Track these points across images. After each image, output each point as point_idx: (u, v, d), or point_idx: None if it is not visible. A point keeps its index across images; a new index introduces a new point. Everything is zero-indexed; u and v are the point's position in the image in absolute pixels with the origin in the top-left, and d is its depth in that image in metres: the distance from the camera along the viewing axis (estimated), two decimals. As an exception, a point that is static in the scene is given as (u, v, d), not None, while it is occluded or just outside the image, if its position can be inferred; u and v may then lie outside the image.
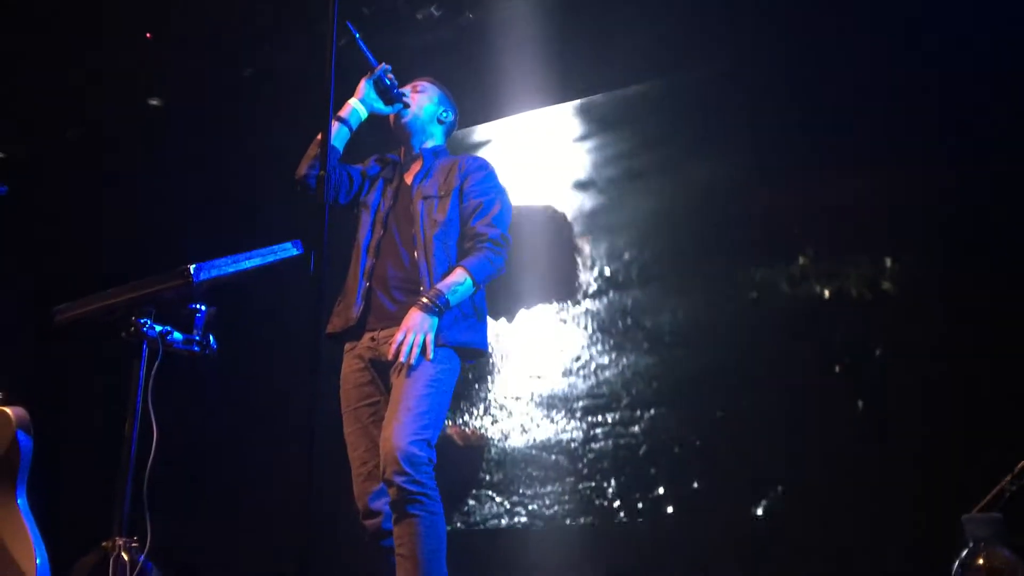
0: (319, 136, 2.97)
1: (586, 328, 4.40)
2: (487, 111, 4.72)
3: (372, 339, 3.02)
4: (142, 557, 2.42)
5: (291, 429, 3.01)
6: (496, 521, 4.38)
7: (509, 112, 4.76)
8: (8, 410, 2.63)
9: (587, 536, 4.17)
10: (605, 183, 4.46)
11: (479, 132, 4.86)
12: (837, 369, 3.78)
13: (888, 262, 3.75)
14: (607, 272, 4.39)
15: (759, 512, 3.83)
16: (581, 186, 4.54)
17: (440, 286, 2.91)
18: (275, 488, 4.37)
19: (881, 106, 3.81)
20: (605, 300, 4.37)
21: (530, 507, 4.35)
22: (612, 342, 4.32)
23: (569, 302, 4.48)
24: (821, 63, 3.96)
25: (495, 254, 3.01)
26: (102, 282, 2.65)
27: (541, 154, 4.70)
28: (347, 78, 2.83)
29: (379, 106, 3.15)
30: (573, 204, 4.54)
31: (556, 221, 4.58)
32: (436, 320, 2.86)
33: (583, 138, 4.59)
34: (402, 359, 2.80)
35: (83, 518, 2.97)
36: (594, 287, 4.42)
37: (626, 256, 4.35)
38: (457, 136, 3.87)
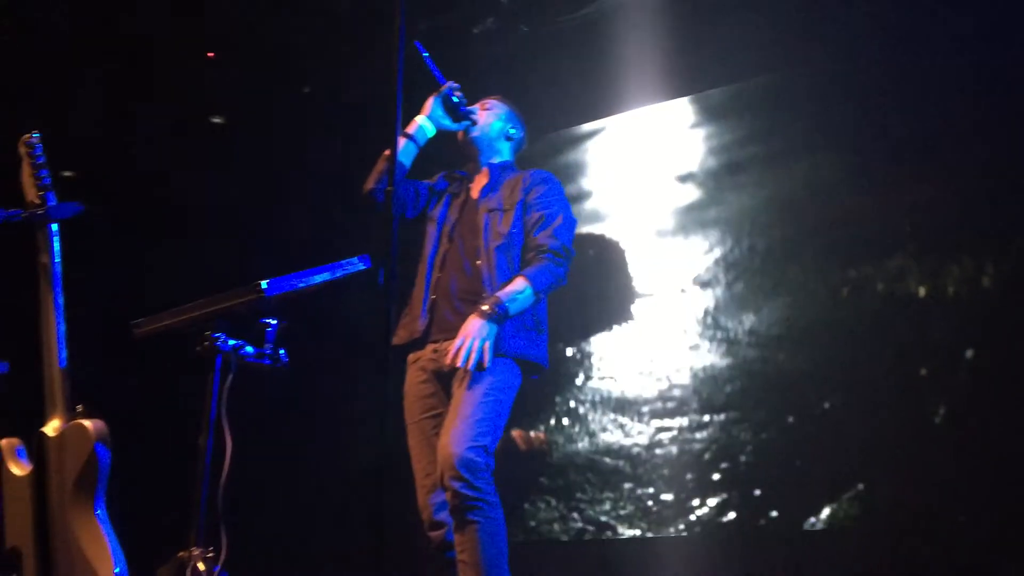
0: (386, 152, 3.03)
1: (663, 327, 4.36)
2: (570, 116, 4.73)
3: (435, 351, 3.05)
4: (218, 567, 2.46)
5: (359, 440, 3.06)
6: (549, 527, 4.37)
7: (601, 114, 4.75)
8: (87, 423, 2.69)
9: (642, 546, 4.15)
10: (705, 176, 4.39)
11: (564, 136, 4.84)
12: (923, 372, 3.68)
13: (990, 264, 3.64)
14: (692, 269, 4.32)
15: (819, 523, 3.77)
16: (681, 179, 4.48)
17: (500, 294, 2.92)
18: (345, 498, 4.43)
19: (984, 106, 3.73)
20: (687, 299, 4.31)
21: (587, 513, 4.33)
22: (689, 343, 4.26)
23: (649, 300, 4.45)
24: (926, 63, 3.88)
25: (556, 265, 3.02)
26: (173, 298, 2.71)
27: (640, 150, 4.65)
28: (413, 94, 2.86)
29: (446, 123, 3.19)
30: (669, 198, 4.47)
31: (646, 215, 4.54)
32: (495, 328, 2.87)
33: (686, 131, 4.50)
34: (459, 364, 2.81)
35: (160, 529, 3.03)
36: (677, 285, 4.37)
37: (716, 253, 4.28)
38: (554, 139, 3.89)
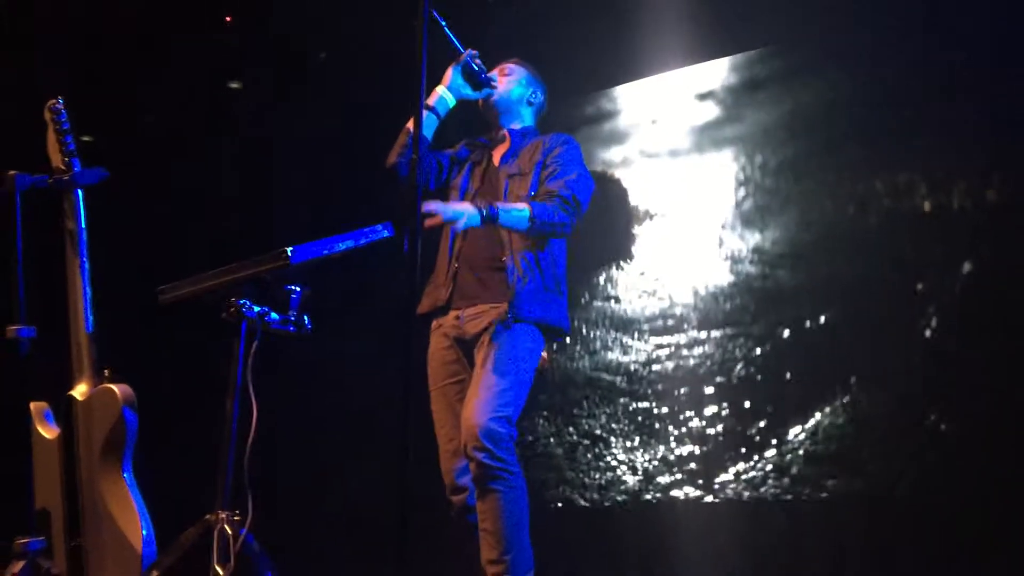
0: (409, 124, 3.02)
1: (670, 247, 4.36)
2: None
3: (457, 317, 3.07)
4: (244, 531, 2.50)
5: (383, 406, 3.07)
6: (546, 441, 4.45)
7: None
8: (115, 387, 2.73)
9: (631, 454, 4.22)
10: (724, 93, 4.34)
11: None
12: (920, 286, 3.69)
13: (997, 176, 3.60)
14: (704, 189, 4.30)
15: (804, 433, 3.82)
16: (700, 97, 4.41)
17: (498, 203, 2.92)
18: (369, 463, 4.47)
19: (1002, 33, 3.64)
20: (696, 218, 4.31)
21: (582, 427, 4.41)
22: (694, 261, 4.27)
23: (659, 220, 4.44)
24: None
25: (562, 209, 2.98)
26: (199, 263, 2.73)
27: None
28: (435, 60, 2.85)
29: (467, 92, 3.17)
30: (687, 116, 4.41)
31: (662, 135, 4.50)
32: (477, 219, 2.84)
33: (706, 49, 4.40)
34: (424, 210, 2.72)
35: (187, 492, 3.07)
36: (688, 205, 4.35)
37: (728, 171, 4.24)
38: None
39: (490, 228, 3.00)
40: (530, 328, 3.00)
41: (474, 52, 3.15)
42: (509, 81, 3.27)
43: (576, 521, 4.33)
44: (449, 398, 3.08)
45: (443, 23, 3.01)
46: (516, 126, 3.28)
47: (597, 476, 4.36)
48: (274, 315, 2.63)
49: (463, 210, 2.83)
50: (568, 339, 4.45)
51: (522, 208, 2.93)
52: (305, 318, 2.68)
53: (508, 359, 2.93)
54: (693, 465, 4.13)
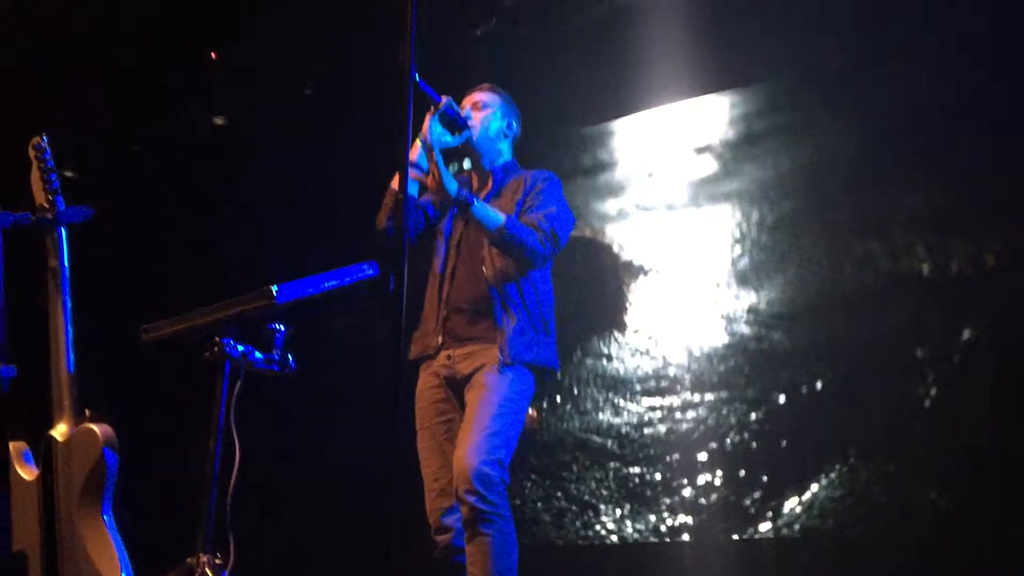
0: (393, 183, 3.04)
1: (664, 305, 4.31)
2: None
3: (448, 357, 3.07)
4: (225, 574, 2.46)
5: (368, 447, 3.05)
6: (533, 505, 4.37)
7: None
8: (95, 427, 2.68)
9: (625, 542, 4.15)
10: (723, 148, 4.29)
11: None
12: (919, 354, 3.65)
13: (994, 241, 3.59)
14: (700, 245, 4.26)
15: (800, 506, 3.77)
16: (699, 151, 4.37)
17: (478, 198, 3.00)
18: (353, 505, 4.42)
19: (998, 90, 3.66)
20: (692, 275, 4.26)
21: (571, 492, 4.33)
22: (688, 320, 4.22)
23: (654, 276, 4.39)
24: (946, 33, 3.78)
25: (537, 240, 3.01)
26: (182, 302, 2.71)
27: (660, 125, 4.54)
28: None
29: (447, 139, 3.15)
30: (685, 170, 4.37)
31: (660, 189, 4.46)
32: (454, 191, 2.95)
33: (705, 102, 4.40)
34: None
35: (168, 535, 3.02)
36: (684, 261, 4.30)
37: (725, 227, 4.19)
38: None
39: (475, 268, 3.01)
40: (522, 370, 3.00)
41: (450, 98, 3.14)
42: (485, 117, 3.27)
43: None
44: (437, 437, 3.07)
45: (418, 79, 2.99)
46: (498, 162, 3.30)
47: (585, 544, 4.27)
48: (258, 354, 2.60)
49: (454, 181, 2.93)
50: (559, 398, 4.40)
51: (497, 214, 2.94)
52: (289, 357, 2.65)
53: (500, 402, 2.93)
54: (686, 536, 4.05)
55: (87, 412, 2.73)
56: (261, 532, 3.79)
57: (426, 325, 3.15)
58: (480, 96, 3.30)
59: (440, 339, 3.09)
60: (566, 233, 3.12)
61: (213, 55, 5.21)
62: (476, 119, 3.24)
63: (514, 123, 3.34)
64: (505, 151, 3.33)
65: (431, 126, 3.11)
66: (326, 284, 2.59)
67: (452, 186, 2.91)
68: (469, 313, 3.08)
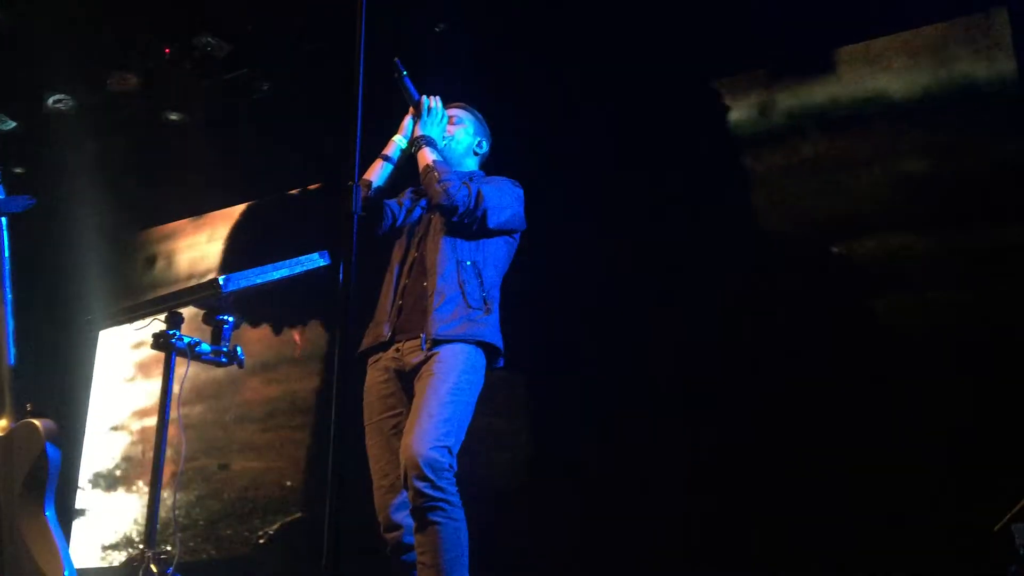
0: (368, 175, 3.10)
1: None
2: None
3: (397, 350, 3.03)
4: (171, 569, 2.42)
5: (315, 440, 3.02)
6: None
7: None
8: (37, 422, 2.63)
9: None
10: None
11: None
12: None
13: None
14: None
15: None
16: None
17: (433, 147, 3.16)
18: (301, 500, 4.38)
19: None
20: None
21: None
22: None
23: None
24: None
25: (458, 187, 3.02)
26: (133, 292, 2.66)
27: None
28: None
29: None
30: None
31: None
32: (411, 126, 3.16)
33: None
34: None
35: (112, 530, 2.97)
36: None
37: None
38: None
39: (431, 265, 3.00)
40: (466, 350, 2.95)
41: (405, 73, 3.16)
42: (458, 131, 3.30)
43: None
44: (385, 433, 3.02)
45: (404, 72, 3.09)
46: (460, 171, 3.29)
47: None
48: (205, 346, 2.57)
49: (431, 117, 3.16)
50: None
51: (441, 159, 3.10)
52: (238, 349, 2.62)
53: (450, 389, 2.89)
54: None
55: (29, 407, 2.67)
56: (209, 528, 3.71)
57: (379, 316, 3.12)
58: (454, 111, 3.34)
59: (391, 330, 3.05)
60: (499, 214, 3.09)
61: (167, 50, 5.19)
62: (449, 131, 3.26)
63: (484, 143, 3.37)
64: (470, 165, 3.34)
65: (408, 127, 3.20)
66: (275, 273, 2.56)
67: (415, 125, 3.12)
68: (415, 301, 3.05)
